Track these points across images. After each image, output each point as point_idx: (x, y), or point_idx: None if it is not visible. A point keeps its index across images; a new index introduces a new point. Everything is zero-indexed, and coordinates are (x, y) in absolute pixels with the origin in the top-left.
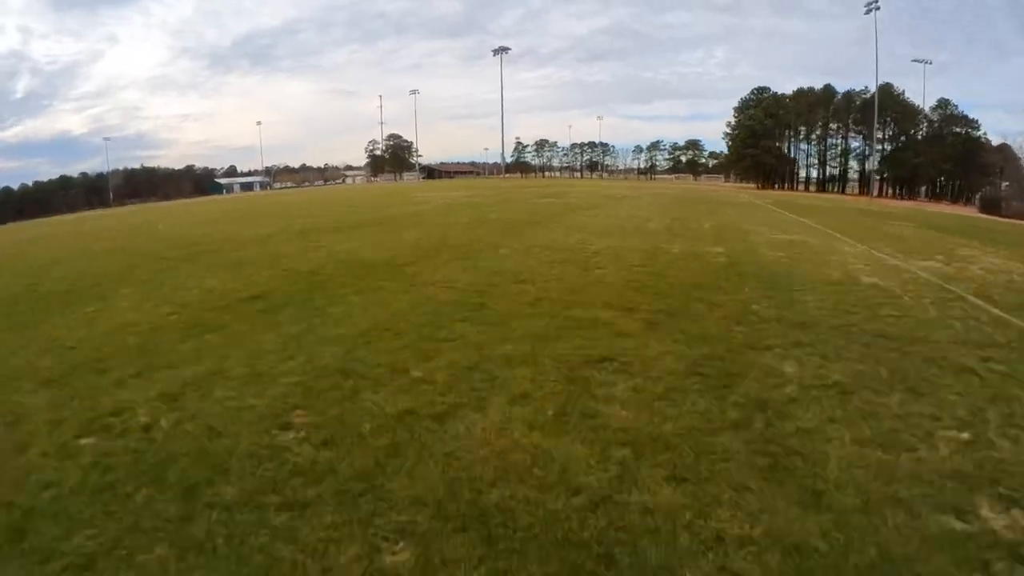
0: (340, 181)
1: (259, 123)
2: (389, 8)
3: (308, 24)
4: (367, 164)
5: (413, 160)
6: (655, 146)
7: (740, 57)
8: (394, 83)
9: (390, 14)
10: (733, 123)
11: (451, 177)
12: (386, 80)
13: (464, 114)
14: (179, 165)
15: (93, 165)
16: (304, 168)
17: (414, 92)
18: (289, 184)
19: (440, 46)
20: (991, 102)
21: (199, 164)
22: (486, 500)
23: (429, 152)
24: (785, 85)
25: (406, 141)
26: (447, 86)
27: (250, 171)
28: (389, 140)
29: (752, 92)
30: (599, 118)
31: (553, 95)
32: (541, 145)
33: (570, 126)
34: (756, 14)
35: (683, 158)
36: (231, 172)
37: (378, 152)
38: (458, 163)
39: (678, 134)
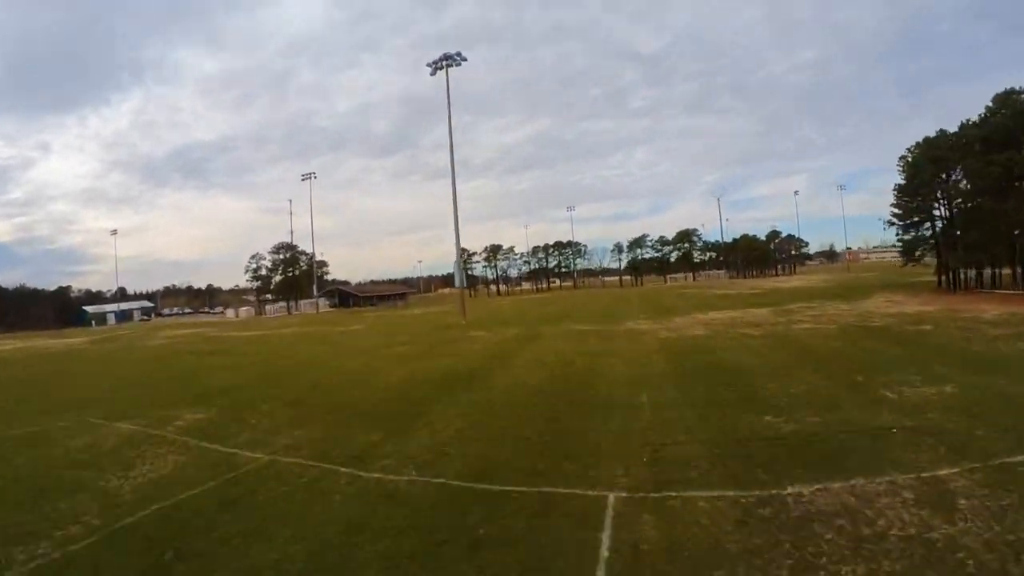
0: (221, 311)
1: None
2: (325, 124)
3: (244, 140)
4: (257, 287)
5: (328, 277)
6: (639, 243)
7: (658, 157)
8: (330, 200)
9: (326, 130)
10: None
11: (373, 303)
12: (322, 197)
13: (398, 229)
14: (108, 283)
15: (18, 277)
16: (191, 291)
17: (308, 176)
18: (175, 310)
19: (374, 164)
20: (889, 164)
21: (127, 282)
22: None
23: (361, 271)
24: (702, 178)
25: (303, 253)
26: (380, 203)
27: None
28: (279, 253)
29: None
30: (526, 227)
31: (484, 206)
32: (494, 252)
33: (526, 226)
34: (670, 116)
35: (673, 254)
36: (122, 295)
37: (264, 272)
38: (390, 281)
39: (601, 235)
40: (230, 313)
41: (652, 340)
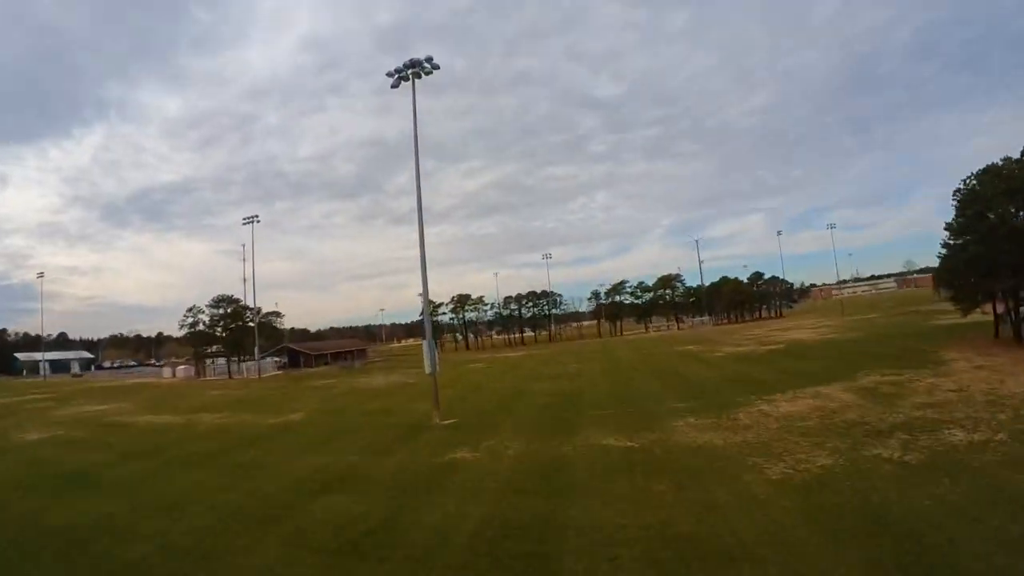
0: (161, 364)
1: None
2: (289, 168)
3: (206, 182)
4: (191, 341)
5: (284, 326)
6: (617, 289)
7: (619, 200)
8: (292, 244)
9: (288, 175)
10: None
11: (327, 362)
12: (284, 242)
13: (361, 274)
14: (62, 324)
15: None
16: (138, 339)
17: (251, 219)
18: (117, 363)
19: (338, 207)
20: (843, 199)
21: (80, 324)
22: None
23: (324, 317)
24: (661, 220)
25: (247, 308)
26: (343, 247)
27: (91, 340)
28: (218, 306)
29: None
30: (496, 274)
31: (447, 251)
32: (461, 302)
33: (496, 273)
34: (630, 160)
35: (651, 299)
36: (63, 341)
37: (202, 326)
38: (351, 329)
39: (565, 278)
40: (167, 372)
41: (762, 486)
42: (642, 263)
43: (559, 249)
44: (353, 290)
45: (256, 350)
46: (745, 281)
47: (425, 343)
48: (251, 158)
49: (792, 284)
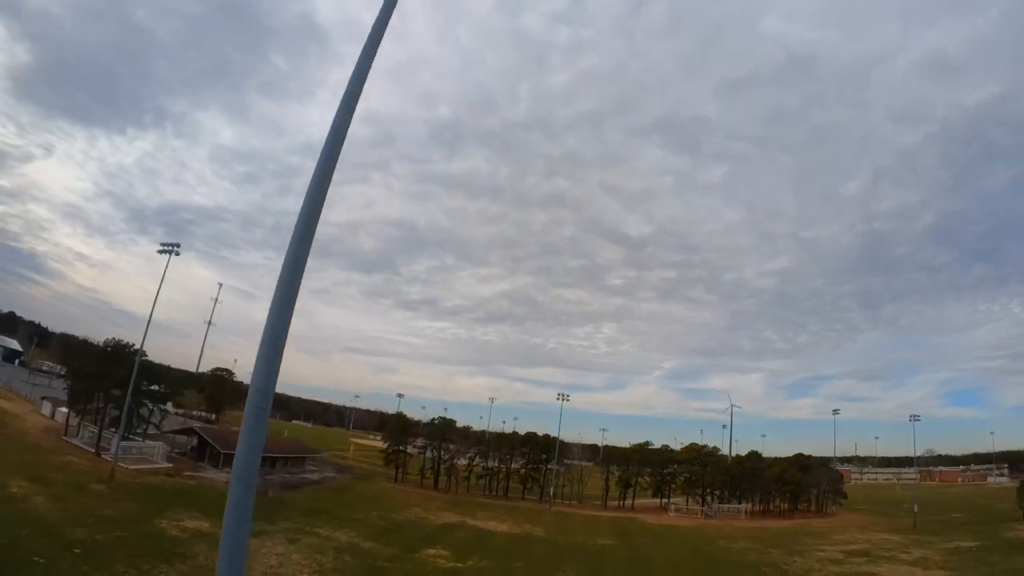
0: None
1: None
2: (317, 231)
3: (235, 217)
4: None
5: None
6: (643, 454)
7: (625, 335)
8: (298, 303)
9: (316, 237)
10: None
11: (272, 466)
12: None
13: (355, 348)
14: (58, 304)
15: None
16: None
17: (170, 248)
18: (47, 367)
19: (351, 277)
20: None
21: (67, 314)
22: None
23: (297, 382)
24: (662, 363)
25: (132, 352)
26: (345, 316)
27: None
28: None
29: None
30: (491, 400)
31: (442, 349)
32: (442, 431)
33: (492, 399)
34: (644, 298)
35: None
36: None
37: (85, 373)
38: (320, 406)
39: (553, 401)
40: (46, 408)
41: None
42: (635, 403)
43: (554, 371)
44: (342, 361)
45: (124, 419)
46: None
47: None
48: (283, 208)
49: (840, 474)
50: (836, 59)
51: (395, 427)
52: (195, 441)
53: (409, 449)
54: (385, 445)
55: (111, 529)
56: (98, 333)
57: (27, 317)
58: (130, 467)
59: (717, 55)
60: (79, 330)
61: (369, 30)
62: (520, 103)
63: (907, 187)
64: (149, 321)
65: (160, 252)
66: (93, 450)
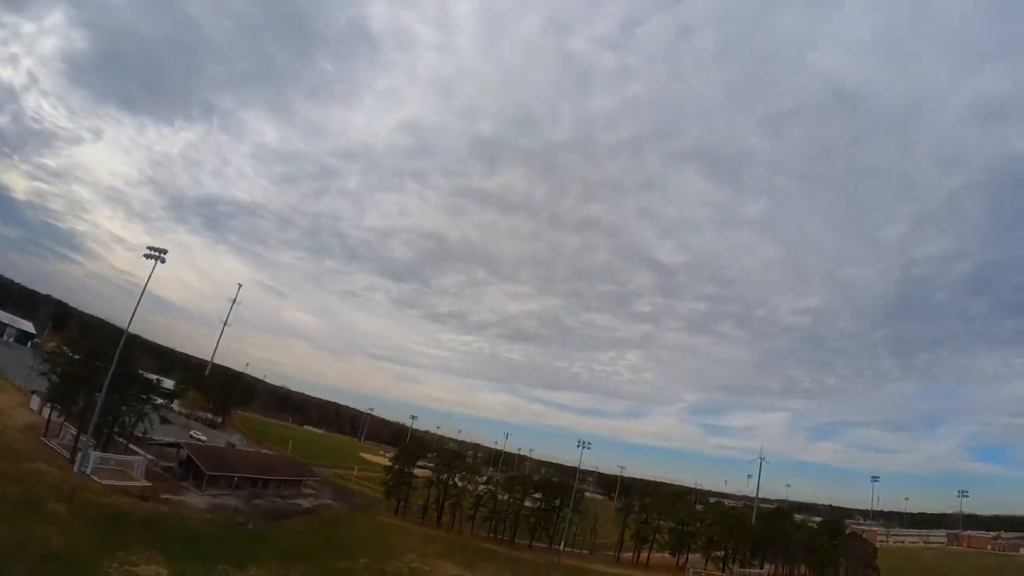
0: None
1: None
2: (349, 232)
3: (271, 215)
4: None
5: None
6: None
7: (649, 364)
8: (324, 302)
9: (347, 237)
10: None
11: (232, 485)
12: (318, 296)
13: (378, 354)
14: (91, 283)
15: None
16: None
17: (156, 255)
18: (52, 345)
19: (380, 283)
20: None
21: (98, 293)
22: None
23: (315, 380)
24: (685, 396)
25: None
26: (372, 322)
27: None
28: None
29: None
30: (506, 435)
31: (465, 362)
32: (447, 461)
33: (507, 435)
34: (672, 328)
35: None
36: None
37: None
38: (334, 407)
39: (571, 424)
40: (34, 402)
41: None
42: (655, 433)
43: (575, 395)
44: (364, 366)
45: (92, 428)
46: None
47: None
48: (319, 209)
49: (873, 547)
50: (883, 97)
51: (403, 454)
52: (184, 455)
53: (417, 471)
54: (389, 475)
55: (45, 572)
56: (127, 316)
57: (56, 295)
58: (103, 482)
59: (764, 86)
60: (110, 311)
61: (419, 39)
62: (562, 124)
63: (947, 233)
64: (130, 323)
65: (146, 257)
66: (69, 456)
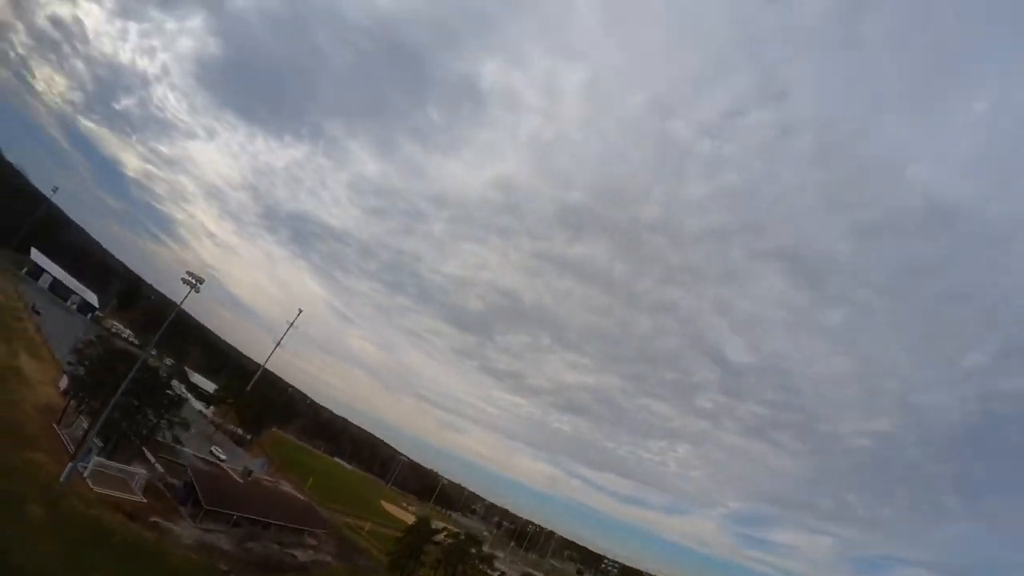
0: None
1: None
2: (425, 274)
3: (355, 243)
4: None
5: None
6: None
7: (700, 462)
8: (387, 336)
9: (422, 279)
10: None
11: (232, 521)
12: (383, 330)
13: (430, 397)
14: (174, 268)
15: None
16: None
17: (194, 282)
18: (116, 328)
19: (444, 329)
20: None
21: (174, 277)
22: None
23: (360, 407)
24: (729, 502)
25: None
26: (428, 365)
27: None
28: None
29: None
30: None
31: (512, 423)
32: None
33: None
34: (729, 429)
35: None
36: (103, 271)
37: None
38: (369, 438)
39: (608, 508)
40: (63, 382)
41: None
42: (691, 535)
43: (616, 479)
44: (411, 405)
45: (92, 433)
46: None
47: None
48: (402, 248)
49: None
50: (978, 215)
51: (420, 525)
52: (190, 476)
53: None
54: (399, 544)
55: None
56: (201, 307)
57: (137, 271)
58: (96, 489)
59: (858, 194)
60: (181, 298)
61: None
62: (651, 204)
63: None
64: (157, 338)
65: (184, 282)
66: (73, 452)
